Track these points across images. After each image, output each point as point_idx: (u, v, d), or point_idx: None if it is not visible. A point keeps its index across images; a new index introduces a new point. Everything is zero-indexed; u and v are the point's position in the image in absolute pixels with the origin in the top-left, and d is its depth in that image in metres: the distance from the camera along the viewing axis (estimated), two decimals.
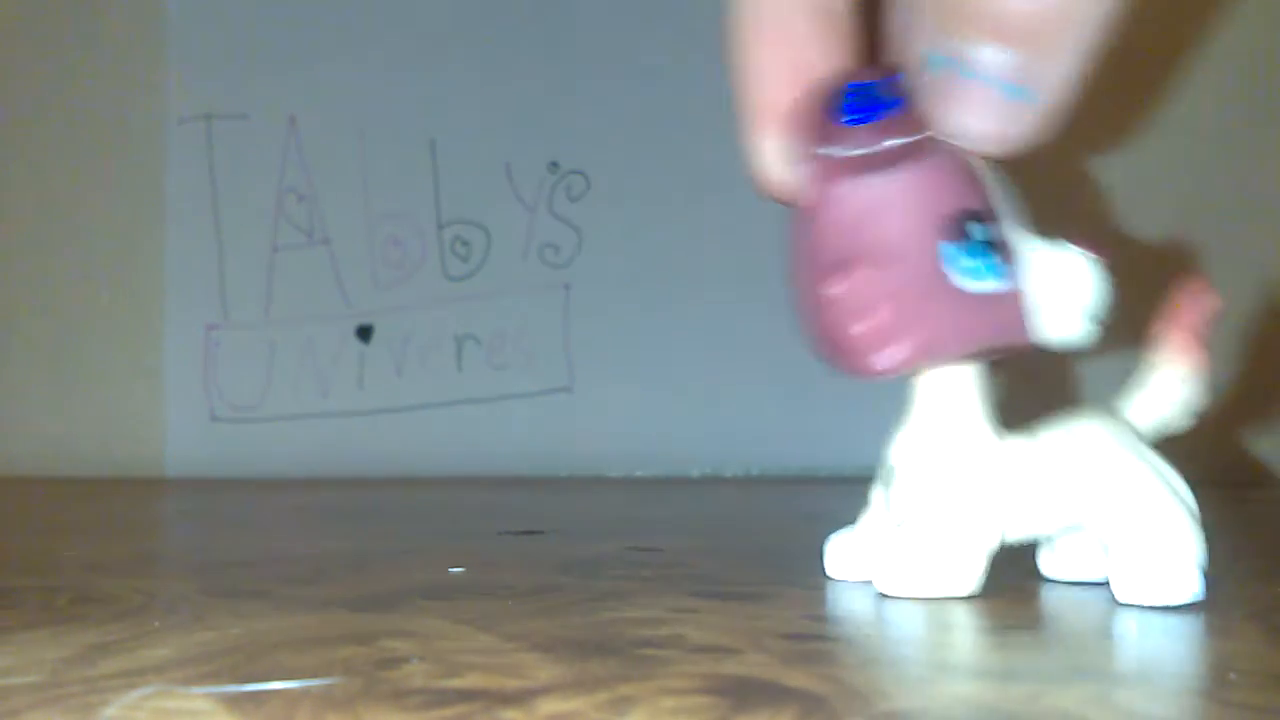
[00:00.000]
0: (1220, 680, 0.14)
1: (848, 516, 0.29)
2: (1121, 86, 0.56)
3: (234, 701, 0.13)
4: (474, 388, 0.67)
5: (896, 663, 0.15)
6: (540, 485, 0.60)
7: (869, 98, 0.17)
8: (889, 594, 0.19)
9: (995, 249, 0.17)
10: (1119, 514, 0.19)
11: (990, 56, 0.17)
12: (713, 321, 0.63)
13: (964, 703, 0.13)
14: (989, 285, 0.17)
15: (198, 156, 0.71)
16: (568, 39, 0.68)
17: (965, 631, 0.17)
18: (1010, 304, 0.17)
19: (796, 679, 0.14)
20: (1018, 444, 0.19)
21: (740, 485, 0.55)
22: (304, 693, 0.13)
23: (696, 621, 0.18)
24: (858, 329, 0.17)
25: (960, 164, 0.18)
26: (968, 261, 0.17)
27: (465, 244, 0.68)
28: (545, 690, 0.13)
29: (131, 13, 0.72)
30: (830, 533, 0.27)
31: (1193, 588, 0.18)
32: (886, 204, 0.17)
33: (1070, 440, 0.19)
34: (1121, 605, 0.19)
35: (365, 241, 0.69)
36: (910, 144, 0.17)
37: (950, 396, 0.18)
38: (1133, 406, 0.20)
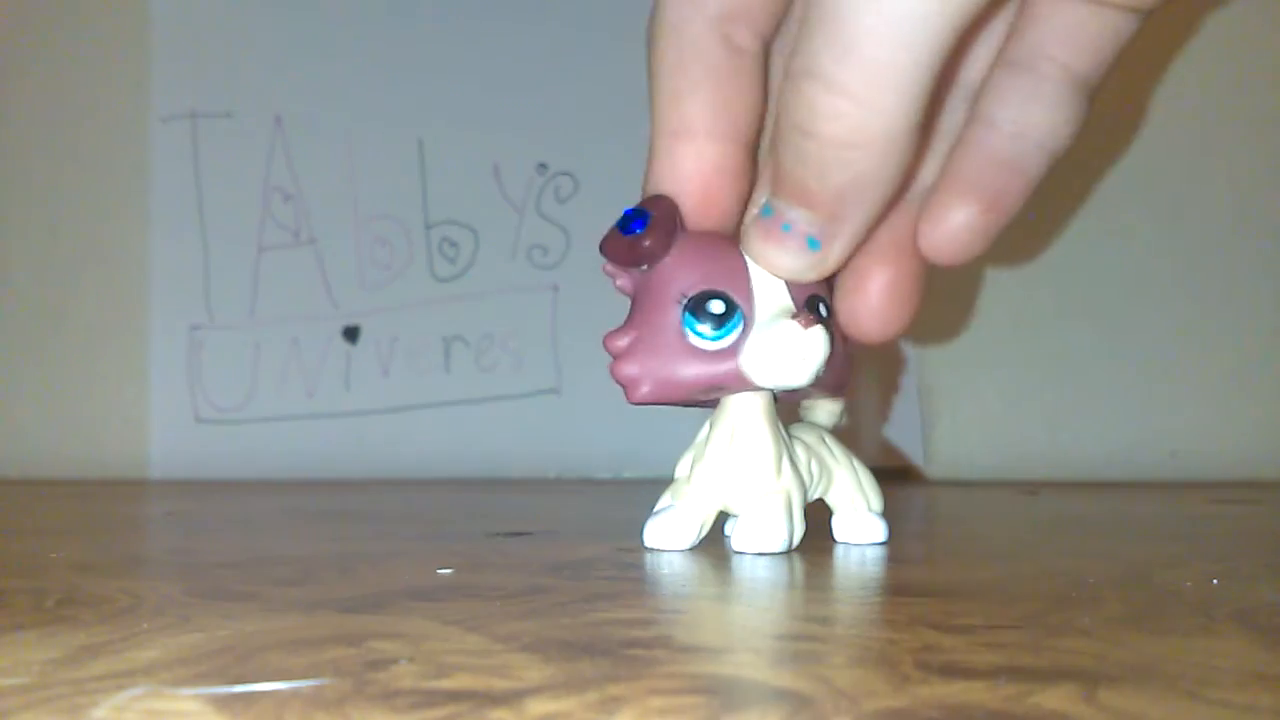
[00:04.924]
0: (1203, 679, 0.14)
1: (829, 518, 0.30)
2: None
3: (223, 703, 0.13)
4: (462, 389, 0.67)
5: (886, 662, 0.15)
6: (527, 487, 0.60)
7: (634, 218, 0.26)
8: (753, 552, 0.26)
9: (718, 318, 0.25)
10: (843, 484, 0.29)
11: (797, 216, 0.24)
12: None
13: (952, 702, 0.13)
14: (711, 345, 0.25)
15: (182, 155, 0.71)
16: (556, 40, 0.68)
17: (954, 631, 0.17)
18: (728, 358, 0.25)
19: (785, 679, 0.14)
20: (791, 434, 0.29)
21: None
22: (293, 694, 0.13)
23: (684, 622, 0.18)
24: (620, 370, 0.26)
25: (697, 260, 0.26)
26: (697, 327, 0.25)
27: (453, 245, 0.68)
28: (534, 691, 0.13)
29: (114, 9, 0.72)
30: (820, 537, 0.28)
31: (881, 533, 0.29)
32: (646, 287, 0.26)
33: (810, 434, 0.30)
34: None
35: (352, 242, 0.69)
36: (651, 248, 0.26)
37: (754, 405, 0.27)
38: (812, 415, 0.32)
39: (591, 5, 0.67)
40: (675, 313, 0.26)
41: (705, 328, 0.25)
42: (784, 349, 0.25)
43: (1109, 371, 0.61)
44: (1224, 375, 0.60)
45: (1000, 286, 0.62)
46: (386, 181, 0.69)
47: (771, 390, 0.27)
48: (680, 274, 0.26)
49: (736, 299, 0.25)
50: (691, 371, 0.26)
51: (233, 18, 0.70)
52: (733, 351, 0.25)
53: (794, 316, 0.25)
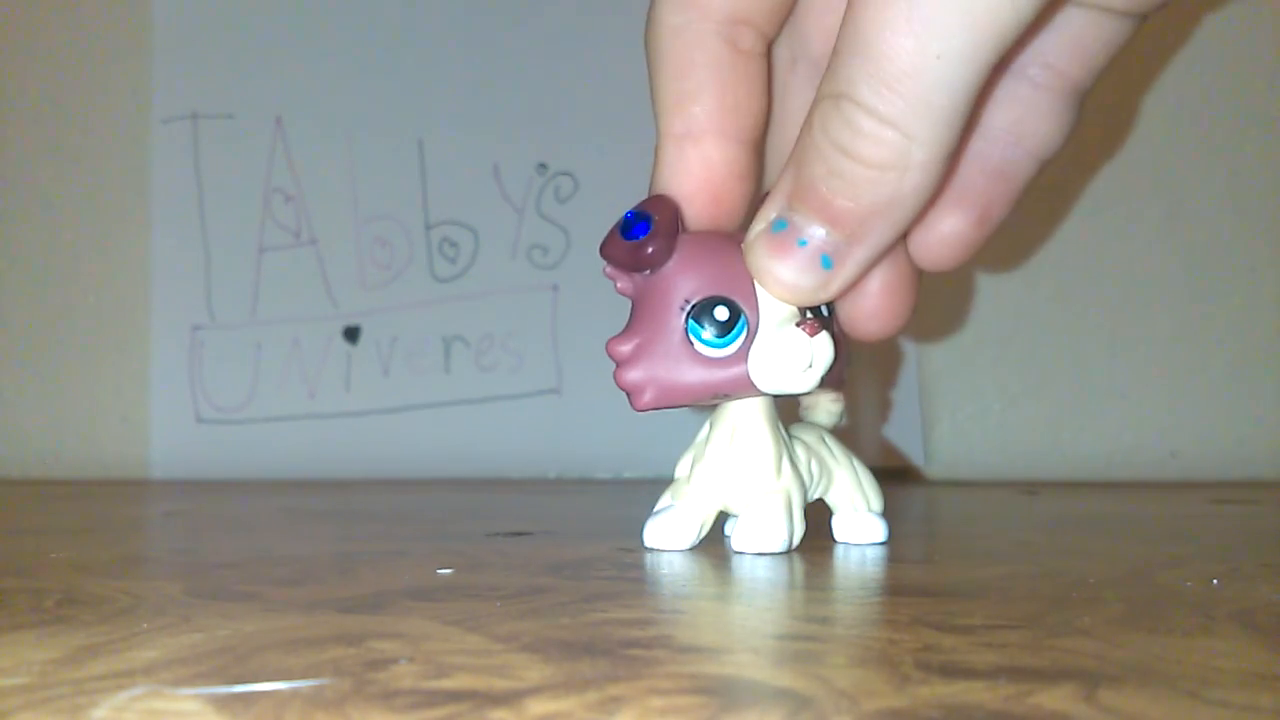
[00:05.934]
0: (1203, 679, 0.14)
1: (829, 518, 0.30)
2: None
3: (223, 703, 0.13)
4: (462, 389, 0.67)
5: (886, 662, 0.15)
6: (527, 487, 0.60)
7: (635, 222, 0.26)
8: (754, 552, 0.27)
9: (723, 325, 0.25)
10: (843, 484, 0.29)
11: (816, 232, 0.24)
12: None
13: (952, 702, 0.13)
14: (716, 352, 0.25)
15: (183, 157, 0.71)
16: (556, 41, 0.68)
17: (954, 631, 0.17)
18: (733, 364, 0.25)
19: (785, 679, 0.14)
20: (791, 434, 0.29)
21: None
22: (293, 694, 0.13)
23: (684, 622, 0.18)
24: (624, 377, 0.26)
25: (701, 265, 0.26)
26: (701, 334, 0.25)
27: (453, 245, 0.68)
28: (534, 691, 0.13)
29: (115, 10, 0.72)
30: (820, 537, 0.28)
31: (881, 534, 0.29)
32: (648, 291, 0.26)
33: (810, 434, 0.30)
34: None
35: (352, 242, 0.69)
36: (655, 254, 0.25)
37: (754, 406, 0.27)
38: (812, 415, 0.32)
39: (592, 5, 0.67)
40: (679, 319, 0.25)
41: (710, 334, 0.25)
42: (791, 357, 0.25)
43: (1109, 371, 0.61)
44: (1224, 375, 0.60)
45: (1000, 286, 0.62)
46: (386, 181, 0.69)
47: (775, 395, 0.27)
48: (684, 279, 0.25)
49: (742, 305, 0.25)
50: (696, 378, 0.25)
51: (233, 19, 0.70)
52: (738, 358, 0.25)
53: (799, 323, 0.25)
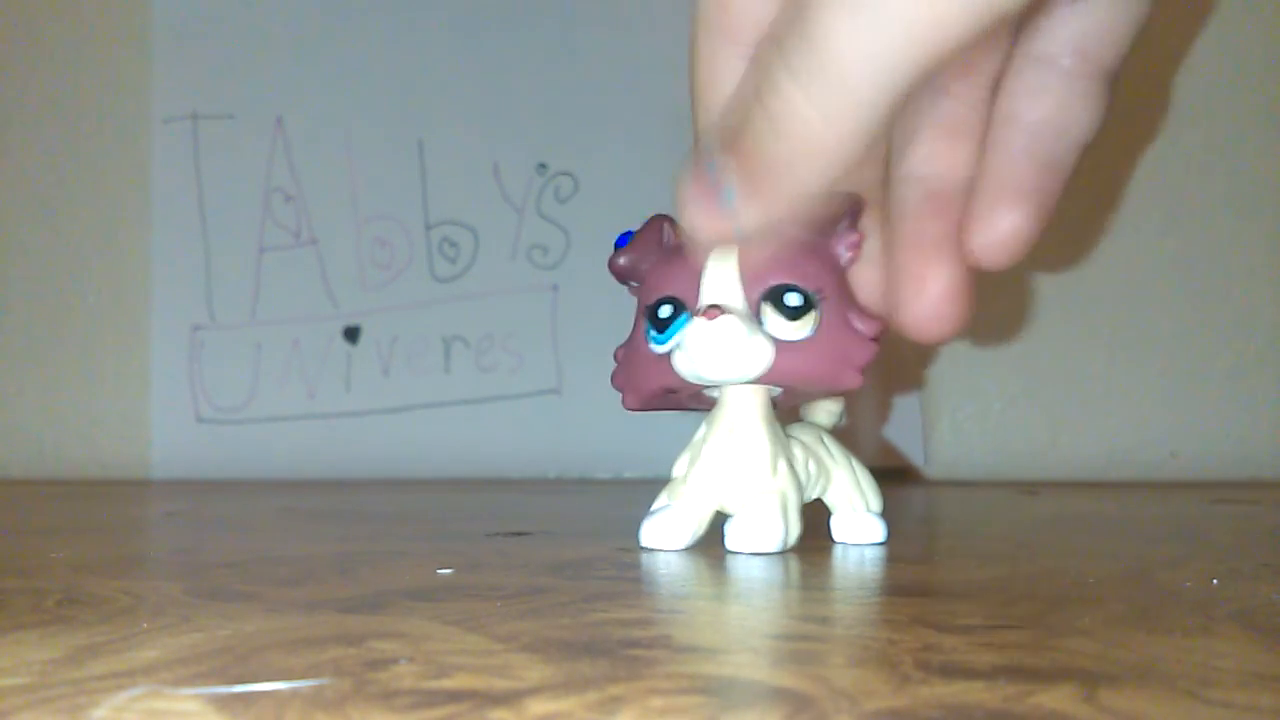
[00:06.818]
0: (1203, 679, 0.14)
1: (828, 518, 0.30)
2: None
3: (223, 702, 0.13)
4: (462, 389, 0.67)
5: (886, 662, 0.15)
6: (527, 487, 0.60)
7: (623, 237, 0.27)
8: (748, 551, 0.26)
9: (664, 322, 0.26)
10: (841, 484, 0.29)
11: (725, 163, 0.23)
12: None
13: (952, 702, 0.13)
14: (661, 349, 0.26)
15: (183, 156, 0.71)
16: (557, 40, 0.68)
17: (954, 631, 0.17)
18: (668, 360, 0.26)
19: (785, 678, 0.14)
20: (789, 434, 0.29)
21: None
22: (293, 694, 0.13)
23: (684, 622, 0.18)
24: (613, 380, 0.28)
25: (665, 270, 0.26)
26: (650, 333, 0.26)
27: (453, 245, 0.68)
28: (534, 691, 0.13)
29: (115, 10, 0.72)
30: (819, 537, 0.28)
31: (880, 534, 0.29)
32: (638, 301, 0.27)
33: (809, 434, 0.30)
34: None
35: (352, 242, 0.69)
36: (615, 265, 0.27)
37: (751, 406, 0.27)
38: (811, 415, 0.32)
39: (591, 5, 0.67)
40: (644, 322, 0.27)
41: (655, 332, 0.26)
42: (691, 344, 0.25)
43: (1109, 371, 0.61)
44: (1224, 375, 0.60)
45: (1000, 287, 0.62)
46: (386, 181, 0.69)
47: (720, 384, 0.26)
48: (648, 285, 0.27)
49: (684, 302, 0.26)
50: (650, 375, 0.26)
51: (234, 19, 0.70)
52: (668, 354, 0.26)
53: (700, 312, 0.25)
